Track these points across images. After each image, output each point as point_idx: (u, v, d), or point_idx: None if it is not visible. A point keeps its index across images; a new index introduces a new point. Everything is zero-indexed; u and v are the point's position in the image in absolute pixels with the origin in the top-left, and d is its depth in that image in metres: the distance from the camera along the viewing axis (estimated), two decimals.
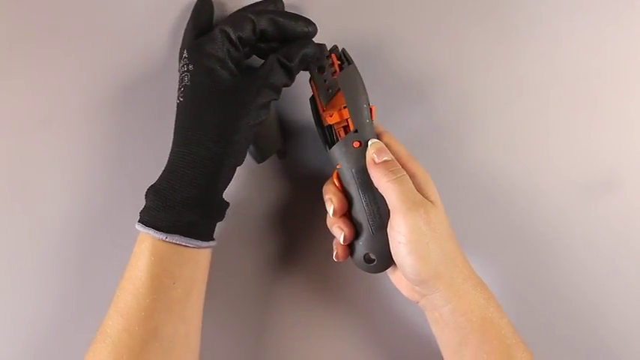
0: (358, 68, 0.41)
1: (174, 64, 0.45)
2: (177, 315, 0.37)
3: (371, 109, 0.41)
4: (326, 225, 0.44)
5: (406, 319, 0.48)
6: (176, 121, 0.39)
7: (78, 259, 0.46)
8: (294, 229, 0.48)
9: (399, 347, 0.48)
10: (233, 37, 0.39)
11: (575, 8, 0.49)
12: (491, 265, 0.49)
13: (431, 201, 0.40)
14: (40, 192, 0.46)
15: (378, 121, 0.44)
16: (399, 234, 0.38)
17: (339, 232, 0.42)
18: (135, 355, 0.35)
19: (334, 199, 0.42)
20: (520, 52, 0.49)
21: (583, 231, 0.49)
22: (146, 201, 0.38)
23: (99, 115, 0.47)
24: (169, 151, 0.39)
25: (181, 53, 0.43)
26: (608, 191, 0.49)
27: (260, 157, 0.46)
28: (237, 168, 0.40)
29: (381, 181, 0.39)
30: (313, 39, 0.42)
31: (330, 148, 0.42)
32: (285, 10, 0.45)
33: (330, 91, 0.41)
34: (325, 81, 0.42)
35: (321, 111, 0.42)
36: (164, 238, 0.36)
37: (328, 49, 0.42)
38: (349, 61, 0.41)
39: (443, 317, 0.40)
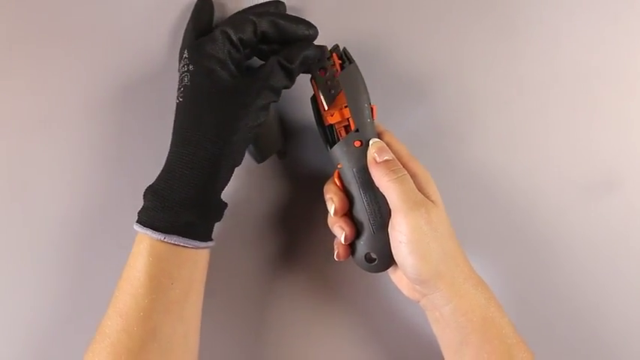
0: (359, 68, 0.41)
1: (175, 65, 0.45)
2: (176, 315, 0.37)
3: (372, 109, 0.42)
4: (327, 224, 0.44)
5: (407, 318, 0.48)
6: (175, 121, 0.39)
7: (77, 259, 0.46)
8: (295, 229, 0.48)
9: (399, 347, 0.48)
10: (234, 38, 0.39)
11: (575, 8, 0.49)
12: (491, 265, 0.49)
13: (432, 200, 0.40)
14: (39, 192, 0.46)
15: (379, 120, 0.44)
16: (400, 233, 0.39)
17: (340, 231, 0.42)
18: (133, 356, 0.35)
19: (335, 199, 0.42)
20: (520, 51, 0.49)
21: (583, 231, 0.49)
22: (144, 201, 0.38)
23: (99, 115, 0.47)
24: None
25: (181, 53, 0.43)
26: (608, 191, 0.49)
27: (260, 157, 0.46)
28: (237, 168, 0.40)
29: (382, 180, 0.39)
30: (314, 41, 0.42)
31: (331, 147, 0.42)
32: (287, 10, 0.46)
33: (333, 91, 0.41)
34: (327, 82, 0.42)
35: (322, 110, 0.42)
36: (162, 239, 0.36)
37: (329, 48, 0.43)
38: (350, 61, 0.42)
39: (444, 317, 0.40)
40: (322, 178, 0.45)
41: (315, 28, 0.41)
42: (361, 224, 0.42)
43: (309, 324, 0.48)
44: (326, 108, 0.42)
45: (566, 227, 0.49)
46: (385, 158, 0.40)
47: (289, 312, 0.48)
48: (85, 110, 0.47)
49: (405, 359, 0.48)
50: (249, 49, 0.41)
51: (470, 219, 0.49)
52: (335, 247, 0.43)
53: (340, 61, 0.42)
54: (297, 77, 0.41)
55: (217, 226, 0.41)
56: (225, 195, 0.40)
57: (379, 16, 0.49)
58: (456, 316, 0.39)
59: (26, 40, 0.46)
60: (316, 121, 0.43)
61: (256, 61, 0.44)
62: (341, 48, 0.43)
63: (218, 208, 0.40)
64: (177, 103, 0.39)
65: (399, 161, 0.41)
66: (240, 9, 0.44)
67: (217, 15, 0.46)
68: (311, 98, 0.43)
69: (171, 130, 0.39)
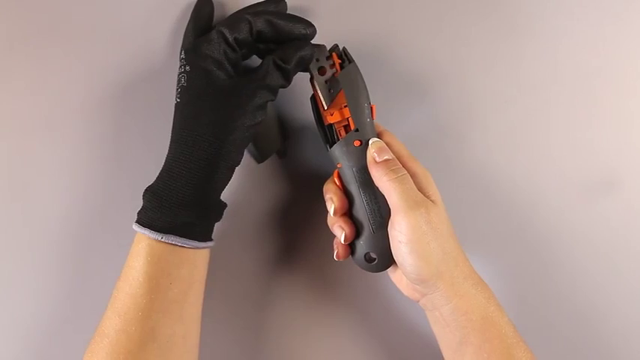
0: (359, 67, 0.41)
1: (175, 65, 0.45)
2: (175, 315, 0.37)
3: (372, 108, 0.41)
4: (326, 224, 0.44)
5: (407, 318, 0.48)
6: (174, 121, 0.39)
7: (77, 259, 0.46)
8: (295, 229, 0.48)
9: (399, 346, 0.48)
10: (229, 38, 0.39)
11: (576, 8, 0.49)
12: (491, 265, 0.49)
13: (432, 200, 0.40)
14: (39, 192, 0.46)
15: (379, 120, 0.44)
16: (400, 233, 0.38)
17: (339, 231, 0.42)
18: (132, 356, 0.35)
19: (335, 199, 0.42)
20: (520, 51, 0.49)
21: (583, 230, 0.49)
22: (143, 201, 0.38)
23: (98, 115, 0.47)
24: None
25: (181, 54, 0.43)
26: (608, 191, 0.49)
27: (260, 157, 0.46)
28: (237, 168, 0.40)
29: (382, 180, 0.39)
30: (314, 40, 0.42)
31: (330, 147, 0.42)
32: (288, 10, 0.45)
33: (332, 91, 0.41)
34: (327, 82, 0.42)
35: (321, 110, 0.42)
36: (160, 239, 0.36)
37: (329, 48, 0.43)
38: (350, 60, 0.41)
39: (443, 316, 0.40)
40: (322, 178, 0.45)
41: (314, 27, 0.41)
42: (361, 224, 0.42)
43: (309, 324, 0.48)
44: (325, 107, 0.42)
45: (566, 227, 0.49)
46: (385, 158, 0.40)
47: (289, 312, 0.48)
48: (84, 110, 0.47)
49: (405, 359, 0.48)
50: (245, 48, 0.41)
51: (470, 219, 0.49)
52: (335, 246, 0.43)
53: (340, 61, 0.42)
54: (296, 76, 0.41)
55: (217, 226, 0.41)
56: (225, 195, 0.40)
57: (379, 16, 0.49)
58: (455, 315, 0.39)
59: (26, 40, 0.46)
60: (316, 120, 0.43)
61: (256, 60, 0.44)
62: (340, 48, 0.43)
63: (217, 208, 0.40)
64: (175, 103, 0.39)
65: (399, 161, 0.41)
66: (241, 8, 0.44)
67: (217, 15, 0.46)
68: (310, 98, 0.43)
69: (170, 131, 0.40)
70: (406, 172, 0.40)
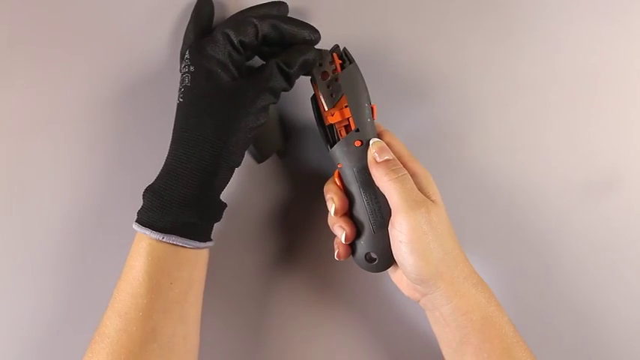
0: (359, 68, 0.41)
1: (175, 65, 0.45)
2: (176, 315, 0.37)
3: (372, 108, 0.42)
4: (327, 224, 0.44)
5: (407, 318, 0.48)
6: (175, 121, 0.39)
7: (77, 259, 0.46)
8: (295, 229, 0.48)
9: (399, 346, 0.48)
10: (235, 40, 0.39)
11: (575, 8, 0.49)
12: (491, 265, 0.49)
13: (432, 200, 0.40)
14: (39, 192, 0.46)
15: (379, 121, 0.44)
16: (401, 233, 0.39)
17: (340, 231, 0.42)
18: (134, 356, 0.35)
19: (335, 199, 0.42)
20: (520, 52, 0.49)
21: (583, 230, 0.49)
22: (144, 201, 0.38)
23: (98, 115, 0.47)
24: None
25: (182, 53, 0.43)
26: (608, 191, 0.49)
27: (260, 157, 0.46)
28: (237, 168, 0.40)
29: (383, 180, 0.39)
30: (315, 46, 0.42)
31: (331, 147, 0.42)
32: (289, 11, 0.45)
33: (334, 96, 0.41)
34: (329, 87, 0.42)
35: (322, 110, 0.42)
36: (161, 239, 0.36)
37: (329, 48, 0.43)
38: (350, 60, 0.42)
39: (443, 316, 0.40)
40: (322, 178, 0.45)
41: (319, 33, 0.41)
42: (361, 224, 0.42)
43: (309, 324, 0.48)
44: (326, 108, 0.42)
45: (566, 227, 0.49)
46: (385, 158, 0.40)
47: (289, 312, 0.48)
48: (84, 110, 0.47)
49: (405, 358, 0.48)
50: (250, 50, 0.41)
51: (470, 219, 0.49)
52: (335, 246, 0.43)
53: (340, 61, 0.42)
54: (297, 78, 0.41)
55: (217, 226, 0.41)
56: (225, 195, 0.40)
57: (379, 17, 0.49)
58: (455, 315, 0.39)
59: (27, 40, 0.46)
60: (316, 120, 0.43)
61: (257, 60, 0.44)
62: (341, 48, 0.43)
63: (217, 209, 0.40)
64: (177, 103, 0.39)
65: (400, 161, 0.41)
66: (241, 9, 0.44)
67: (218, 15, 0.46)
68: (311, 98, 0.43)
69: (171, 131, 0.39)
70: (407, 172, 0.40)
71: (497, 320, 0.39)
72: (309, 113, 0.44)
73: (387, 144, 0.41)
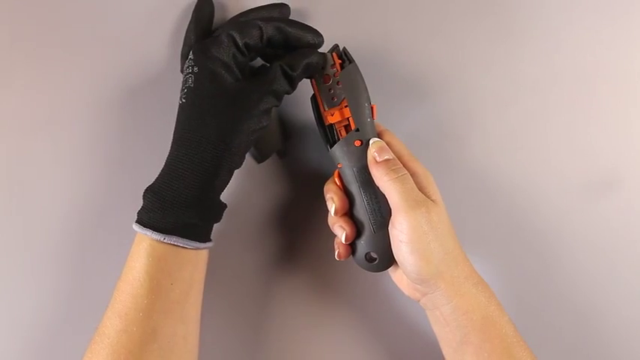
0: (359, 68, 0.41)
1: (176, 65, 0.45)
2: (177, 316, 0.37)
3: (372, 108, 0.42)
4: (327, 224, 0.44)
5: (407, 317, 0.48)
6: (177, 121, 0.39)
7: (77, 259, 0.46)
8: (295, 229, 0.48)
9: (400, 346, 0.48)
10: (240, 42, 0.39)
11: (574, 8, 0.50)
12: (491, 265, 0.49)
13: (432, 200, 0.40)
14: (40, 192, 0.46)
15: (379, 121, 0.44)
16: (401, 233, 0.39)
17: (340, 231, 0.42)
18: (133, 356, 0.35)
19: (335, 198, 0.42)
20: (520, 52, 0.49)
21: (583, 230, 0.49)
22: (144, 201, 0.38)
23: (98, 115, 0.47)
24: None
25: (183, 53, 0.43)
26: (608, 191, 0.49)
27: (260, 157, 0.46)
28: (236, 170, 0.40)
29: (383, 179, 0.39)
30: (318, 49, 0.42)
31: (331, 147, 0.42)
32: (289, 11, 0.45)
33: (336, 99, 0.42)
34: (330, 90, 0.42)
35: (322, 110, 0.42)
36: (162, 239, 0.36)
37: (329, 48, 0.43)
38: (350, 60, 0.42)
39: (444, 316, 0.40)
40: (322, 178, 0.45)
41: (322, 37, 0.42)
42: (361, 224, 0.42)
43: (310, 324, 0.48)
44: (326, 108, 0.42)
45: (566, 227, 0.49)
46: (385, 157, 0.40)
47: (290, 312, 0.48)
48: (84, 110, 0.47)
49: (405, 358, 0.48)
50: (253, 52, 0.41)
51: (470, 219, 0.49)
52: (335, 246, 0.43)
53: (340, 61, 0.42)
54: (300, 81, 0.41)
55: (217, 226, 0.41)
56: (225, 195, 0.40)
57: (379, 17, 0.49)
58: (456, 315, 0.39)
59: (27, 40, 0.46)
60: (316, 120, 0.43)
61: (258, 61, 0.44)
62: (341, 48, 0.43)
63: (217, 209, 0.40)
64: (180, 104, 0.39)
65: (400, 160, 0.41)
66: (242, 9, 0.45)
67: (218, 15, 0.46)
68: (311, 98, 0.43)
69: (171, 131, 0.39)
70: (407, 171, 0.40)
71: (497, 320, 0.39)
72: (308, 113, 0.44)
73: (387, 144, 0.41)
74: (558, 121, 0.50)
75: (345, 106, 0.41)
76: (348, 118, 0.41)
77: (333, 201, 0.42)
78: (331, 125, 0.42)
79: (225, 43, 0.39)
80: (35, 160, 0.46)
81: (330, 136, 0.43)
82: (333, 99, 0.42)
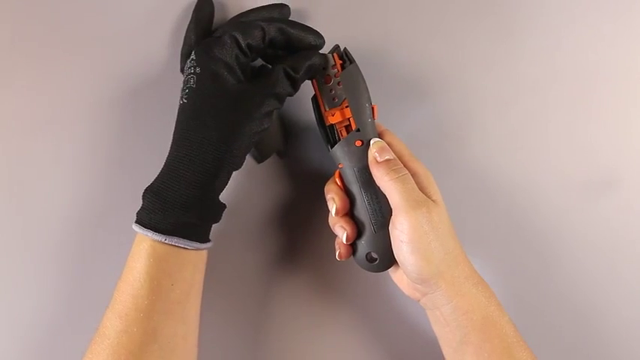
0: (360, 68, 0.41)
1: (176, 65, 0.45)
2: (177, 316, 0.37)
3: (373, 108, 0.42)
4: (328, 224, 0.44)
5: (407, 317, 0.48)
6: (178, 122, 0.39)
7: (77, 259, 0.46)
8: (296, 229, 0.48)
9: (400, 346, 0.48)
10: (243, 43, 0.39)
11: (574, 8, 0.50)
12: (491, 265, 0.49)
13: (433, 200, 0.40)
14: (40, 192, 0.46)
15: (379, 121, 0.44)
16: (402, 233, 0.39)
17: (341, 231, 0.42)
18: (134, 357, 0.35)
19: (336, 199, 0.42)
20: (520, 52, 0.49)
21: (583, 230, 0.49)
22: (143, 202, 0.38)
23: (99, 114, 0.47)
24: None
25: (183, 53, 0.43)
26: (607, 191, 0.50)
27: (260, 157, 0.46)
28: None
29: (383, 179, 0.39)
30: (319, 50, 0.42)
31: (332, 147, 0.42)
32: (289, 12, 0.46)
33: (337, 100, 0.42)
34: (331, 91, 0.42)
35: (323, 110, 0.42)
36: (163, 240, 0.36)
37: (330, 49, 0.43)
38: (351, 61, 0.42)
39: (444, 316, 0.40)
40: (322, 178, 0.45)
41: (323, 38, 0.42)
42: (362, 224, 0.42)
43: (310, 324, 0.48)
44: (327, 108, 0.42)
45: (566, 227, 0.50)
46: (386, 158, 0.40)
47: (290, 312, 0.48)
48: (84, 110, 0.46)
49: (405, 358, 0.48)
50: (255, 53, 0.41)
51: (470, 219, 0.49)
52: (336, 247, 0.43)
53: (341, 62, 0.42)
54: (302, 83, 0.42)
55: (218, 226, 0.41)
56: (225, 195, 0.40)
57: (379, 18, 0.49)
58: (456, 315, 0.39)
59: (27, 40, 0.46)
60: (317, 121, 0.43)
61: (257, 60, 0.44)
62: (342, 48, 0.43)
63: (217, 210, 0.40)
64: (180, 104, 0.39)
65: (400, 160, 0.41)
66: (242, 9, 0.44)
67: (218, 15, 0.45)
68: (312, 98, 0.43)
69: (170, 131, 0.39)
70: (407, 171, 0.40)
71: (497, 320, 0.39)
72: (309, 113, 0.44)
73: (388, 144, 0.41)
74: (558, 120, 0.50)
75: (346, 107, 0.41)
76: (348, 119, 0.41)
77: (334, 201, 0.42)
78: (332, 125, 0.42)
79: (227, 44, 0.39)
80: (35, 160, 0.46)
81: (330, 136, 0.43)
82: (334, 99, 0.42)
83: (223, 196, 0.40)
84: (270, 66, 0.44)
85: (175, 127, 0.39)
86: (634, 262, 0.49)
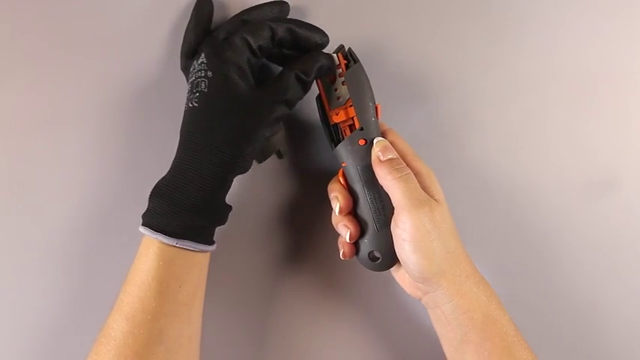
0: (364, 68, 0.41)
1: (175, 64, 0.45)
2: (183, 318, 0.37)
3: (377, 108, 0.42)
4: (331, 223, 0.44)
5: (409, 316, 0.48)
6: (187, 124, 0.39)
7: (80, 260, 0.46)
8: (299, 228, 0.48)
9: (401, 344, 0.48)
10: (254, 45, 0.39)
11: (573, 7, 0.50)
12: (492, 265, 0.49)
13: (435, 199, 0.40)
14: (43, 193, 0.46)
15: (382, 121, 0.44)
16: (404, 232, 0.39)
17: (344, 230, 0.42)
18: (139, 358, 0.35)
19: (340, 197, 0.42)
20: (520, 52, 0.50)
21: (583, 230, 0.50)
22: (151, 204, 0.38)
23: (99, 114, 0.46)
24: (173, 153, 0.39)
25: (183, 52, 0.43)
26: (607, 191, 0.50)
27: (260, 157, 0.46)
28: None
29: (386, 179, 0.40)
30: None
31: (335, 146, 0.42)
32: (290, 11, 0.45)
33: (341, 99, 0.42)
34: (336, 90, 0.42)
35: (327, 109, 0.42)
36: (174, 244, 0.36)
37: (334, 49, 0.43)
38: (355, 60, 0.42)
39: (445, 314, 0.40)
40: (325, 177, 0.45)
41: (328, 37, 0.42)
42: (365, 223, 0.42)
43: (313, 323, 0.48)
44: (331, 107, 0.42)
45: (566, 227, 0.50)
46: (389, 157, 0.40)
47: (293, 311, 0.48)
48: (84, 110, 0.46)
49: (406, 356, 0.48)
50: (264, 54, 0.41)
51: (471, 219, 0.49)
52: (340, 246, 0.43)
53: (345, 61, 0.42)
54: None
55: (221, 227, 0.41)
56: (229, 195, 0.40)
57: (380, 17, 0.49)
58: (457, 313, 0.39)
59: (27, 40, 0.46)
60: (321, 120, 0.43)
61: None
62: (346, 48, 0.43)
63: (224, 212, 0.40)
64: (190, 107, 0.39)
65: (403, 159, 0.41)
66: (242, 7, 0.44)
67: (218, 14, 0.45)
68: (316, 97, 0.43)
69: (173, 131, 0.39)
70: (410, 171, 0.40)
71: (498, 319, 0.39)
72: (312, 112, 0.44)
73: (391, 143, 0.41)
74: (558, 120, 0.50)
75: (350, 106, 0.41)
76: (352, 118, 0.41)
77: (337, 200, 0.42)
78: (336, 124, 0.42)
79: (239, 46, 0.39)
80: (36, 160, 0.46)
81: (334, 135, 0.43)
82: (338, 98, 0.42)
83: (227, 197, 0.40)
84: (272, 64, 0.45)
85: (182, 130, 0.39)
86: (634, 262, 0.50)
